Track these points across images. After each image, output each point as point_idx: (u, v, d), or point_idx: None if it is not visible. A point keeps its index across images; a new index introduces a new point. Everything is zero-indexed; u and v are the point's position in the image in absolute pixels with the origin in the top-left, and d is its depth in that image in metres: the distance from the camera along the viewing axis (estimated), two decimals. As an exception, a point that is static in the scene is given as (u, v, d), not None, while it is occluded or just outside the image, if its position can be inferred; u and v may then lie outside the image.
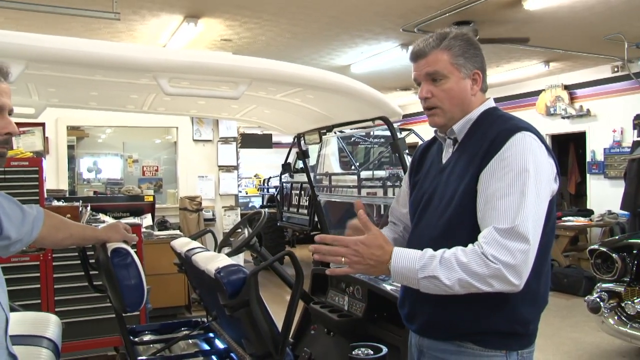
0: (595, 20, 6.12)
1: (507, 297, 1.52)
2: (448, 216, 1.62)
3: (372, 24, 6.11)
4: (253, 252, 2.96)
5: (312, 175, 7.08)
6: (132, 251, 2.05)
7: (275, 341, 2.09)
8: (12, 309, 3.20)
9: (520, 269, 1.43)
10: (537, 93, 9.87)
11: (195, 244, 2.84)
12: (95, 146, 10.53)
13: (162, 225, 6.96)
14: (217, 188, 7.61)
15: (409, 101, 12.15)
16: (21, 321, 2.59)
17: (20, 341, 2.26)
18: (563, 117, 9.42)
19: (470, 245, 1.47)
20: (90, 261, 2.50)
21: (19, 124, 4.73)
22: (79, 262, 2.54)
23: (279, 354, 2.07)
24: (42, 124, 4.53)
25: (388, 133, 2.50)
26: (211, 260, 2.26)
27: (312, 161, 8.99)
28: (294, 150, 9.85)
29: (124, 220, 5.15)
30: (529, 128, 1.61)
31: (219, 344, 2.81)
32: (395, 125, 2.60)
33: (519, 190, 1.48)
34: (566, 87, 9.43)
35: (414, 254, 1.48)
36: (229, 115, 3.25)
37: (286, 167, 8.96)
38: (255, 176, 17.48)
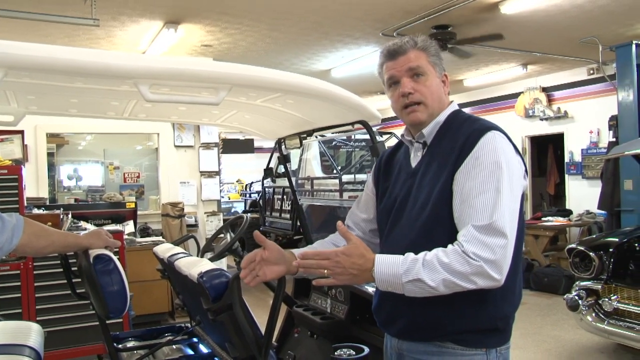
0: (570, 24, 6.26)
1: (487, 294, 1.55)
2: (424, 218, 1.63)
3: (352, 28, 6.17)
4: (236, 256, 2.97)
5: (293, 179, 7.12)
6: (114, 257, 2.06)
7: (259, 344, 2.10)
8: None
9: (501, 263, 1.46)
10: (516, 95, 10.03)
11: (178, 249, 2.84)
12: (76, 153, 10.44)
13: (144, 231, 6.93)
14: (199, 194, 7.59)
15: (389, 105, 12.22)
16: (2, 330, 2.58)
17: (1, 350, 2.25)
18: (541, 119, 9.58)
19: (450, 246, 1.49)
20: (73, 269, 2.49)
21: (-3, 132, 4.67)
22: (60, 270, 2.53)
23: (262, 357, 2.08)
24: (21, 132, 4.48)
25: (368, 137, 2.53)
26: (194, 265, 2.28)
27: (293, 165, 9.01)
28: (276, 155, 9.86)
29: (105, 228, 5.13)
30: (497, 127, 1.66)
31: (203, 349, 2.81)
32: (375, 128, 2.63)
33: (493, 188, 1.51)
34: (544, 90, 9.59)
35: (396, 259, 1.50)
36: (210, 121, 3.26)
37: (268, 172, 8.93)
38: (237, 181, 17.43)
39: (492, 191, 1.51)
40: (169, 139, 7.42)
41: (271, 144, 10.03)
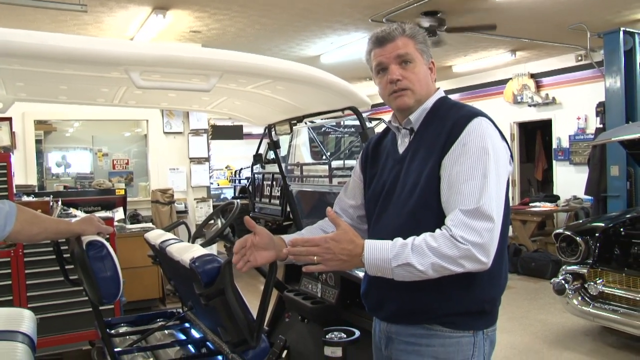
0: (559, 10, 6.28)
1: (474, 277, 1.58)
2: (413, 204, 1.66)
3: (341, 14, 6.16)
4: (227, 242, 2.99)
5: (283, 165, 7.13)
6: (107, 243, 2.07)
7: (251, 328, 2.14)
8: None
9: (488, 247, 1.49)
10: (505, 82, 10.07)
11: (170, 235, 2.86)
12: (64, 140, 10.35)
13: (134, 218, 6.92)
14: (189, 180, 7.59)
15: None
16: (-5, 317, 2.59)
17: (-5, 336, 2.26)
18: (530, 105, 9.64)
19: (438, 230, 1.51)
20: (65, 256, 2.50)
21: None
22: (52, 257, 2.54)
23: (254, 341, 2.11)
24: (9, 119, 4.45)
25: (358, 123, 2.55)
26: (186, 251, 2.30)
27: (283, 152, 9.02)
28: (265, 141, 9.86)
29: (96, 214, 5.12)
30: (483, 114, 1.69)
31: (195, 334, 2.84)
32: (365, 114, 2.65)
33: (480, 173, 1.54)
34: (532, 76, 9.64)
35: (385, 244, 1.51)
36: (200, 107, 3.26)
37: (257, 158, 8.94)
38: (226, 167, 17.40)
39: (479, 177, 1.54)
40: (158, 126, 7.41)
41: (260, 130, 9.97)
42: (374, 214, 1.83)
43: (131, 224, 6.52)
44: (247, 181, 10.54)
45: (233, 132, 11.34)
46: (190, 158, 7.62)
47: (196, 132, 7.64)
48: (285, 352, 3.14)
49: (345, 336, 1.82)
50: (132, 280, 5.23)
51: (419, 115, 1.75)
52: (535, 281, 7.16)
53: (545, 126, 9.89)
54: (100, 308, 4.26)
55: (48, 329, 4.01)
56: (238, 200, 3.14)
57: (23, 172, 6.39)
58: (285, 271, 3.45)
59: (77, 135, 10.39)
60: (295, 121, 2.98)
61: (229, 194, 14.42)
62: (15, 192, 4.34)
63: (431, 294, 1.62)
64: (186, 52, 1.92)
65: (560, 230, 4.95)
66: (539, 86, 9.58)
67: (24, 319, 2.54)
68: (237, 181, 13.79)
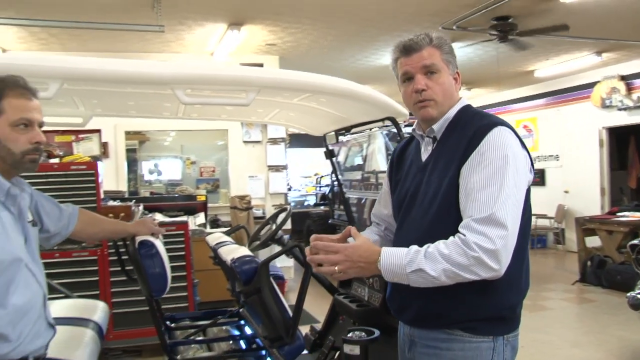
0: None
1: (493, 284, 1.60)
2: (433, 212, 1.70)
3: (409, 23, 6.20)
4: (279, 245, 3.16)
5: (360, 173, 7.28)
6: (157, 243, 2.31)
7: (287, 326, 2.29)
8: (67, 296, 3.57)
9: (500, 254, 1.50)
10: (592, 85, 9.58)
11: (226, 238, 3.09)
12: (156, 149, 11.04)
13: (214, 223, 7.30)
14: (267, 187, 7.88)
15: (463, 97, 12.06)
16: (73, 306, 2.92)
17: (69, 322, 2.57)
18: (620, 109, 9.11)
19: (452, 237, 1.56)
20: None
21: (78, 132, 5.14)
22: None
23: (289, 338, 2.27)
24: (99, 131, 4.93)
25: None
26: (231, 252, 2.50)
27: (359, 160, 9.11)
28: (344, 149, 10.05)
29: (177, 219, 5.51)
30: (504, 123, 1.70)
31: (248, 330, 3.04)
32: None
33: (498, 181, 1.56)
34: (623, 78, 9.11)
35: (400, 251, 1.56)
36: (258, 119, 3.49)
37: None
38: (315, 175, 17.73)
39: (496, 185, 1.56)
40: (238, 135, 7.77)
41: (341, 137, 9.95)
42: (398, 220, 1.89)
43: (211, 228, 6.90)
44: (328, 188, 10.75)
45: (312, 141, 11.60)
46: (268, 166, 7.92)
47: (274, 141, 7.94)
48: (337, 353, 3.26)
49: (365, 335, 1.92)
50: (208, 282, 5.54)
51: (442, 125, 1.78)
52: (619, 295, 6.76)
53: (638, 131, 9.31)
54: (175, 305, 4.61)
55: (129, 323, 4.37)
56: (291, 206, 3.31)
57: (115, 179, 6.97)
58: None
59: (168, 145, 11.08)
60: (343, 131, 3.11)
61: (312, 201, 14.69)
62: (103, 197, 4.79)
63: (449, 299, 1.66)
64: (224, 71, 2.13)
65: (636, 242, 4.70)
66: (630, 89, 9.03)
67: (97, 310, 2.85)
68: (319, 188, 14.05)
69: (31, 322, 1.66)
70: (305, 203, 15.07)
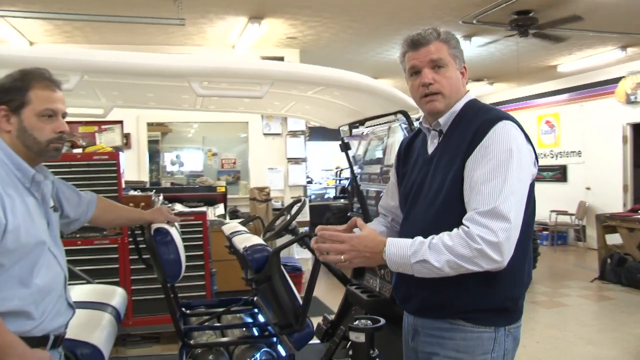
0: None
1: (496, 275, 1.63)
2: (438, 204, 1.73)
3: (430, 17, 6.19)
4: (293, 235, 3.22)
5: (379, 167, 7.33)
6: (172, 230, 2.39)
7: (296, 313, 2.35)
8: (88, 283, 3.69)
9: (502, 246, 1.53)
10: (617, 80, 9.43)
11: (241, 227, 3.16)
12: (179, 141, 11.17)
13: (234, 214, 7.40)
14: (287, 179, 7.95)
15: (483, 92, 11.98)
16: (93, 291, 3.03)
17: (88, 306, 2.66)
18: (645, 105, 8.98)
19: (455, 230, 1.59)
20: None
21: (100, 123, 5.24)
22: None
23: (298, 325, 2.33)
24: (121, 122, 5.03)
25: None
26: (244, 241, 2.57)
27: (379, 153, 9.13)
28: (364, 142, 10.06)
29: (197, 209, 5.60)
30: (509, 117, 1.72)
31: (261, 318, 3.11)
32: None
33: (501, 175, 1.59)
34: (648, 73, 8.97)
35: (405, 242, 1.59)
36: (275, 111, 3.54)
37: (355, 159, 9.18)
38: (336, 168, 17.78)
39: (500, 178, 1.58)
40: (258, 127, 7.85)
41: (358, 131, 9.97)
42: (404, 211, 1.93)
43: (230, 219, 7.00)
44: (348, 181, 10.79)
45: (333, 134, 11.63)
46: (287, 158, 7.98)
47: (294, 134, 8.01)
48: (348, 343, 3.32)
49: (370, 324, 1.97)
50: (226, 272, 5.61)
51: (448, 118, 1.81)
52: (638, 293, 6.70)
53: (664, 127, 9.14)
54: (193, 294, 4.69)
55: (148, 310, 4.47)
56: (306, 197, 3.37)
57: (137, 170, 7.11)
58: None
59: (190, 136, 11.21)
60: (357, 124, 3.15)
61: (333, 193, 14.75)
62: (124, 186, 4.89)
63: (453, 290, 1.69)
64: (237, 64, 2.18)
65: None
66: (656, 84, 8.88)
67: (116, 295, 2.95)
68: (339, 181, 14.10)
69: (52, 302, 1.75)
70: (326, 196, 15.14)
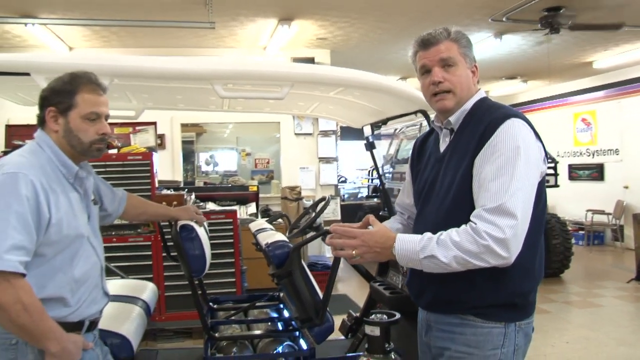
0: None
1: (506, 271, 1.66)
2: (449, 201, 1.77)
3: (459, 15, 6.17)
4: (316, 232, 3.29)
5: (407, 166, 7.24)
6: (197, 227, 2.49)
7: (317, 308, 2.42)
8: (122, 279, 3.83)
9: (509, 243, 1.55)
10: (656, 76, 9.20)
11: (266, 225, 3.25)
12: (213, 141, 11.38)
13: (265, 213, 7.52)
14: (318, 178, 8.03)
15: (517, 90, 11.81)
16: (125, 285, 3.15)
17: (120, 299, 2.78)
18: (685, 101, 8.71)
19: (463, 226, 1.62)
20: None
21: (135, 124, 5.41)
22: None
23: (319, 319, 2.39)
24: (154, 123, 5.18)
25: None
26: (267, 237, 2.65)
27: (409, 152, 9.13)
28: (395, 142, 10.07)
29: (227, 208, 5.73)
30: (518, 115, 1.75)
31: (286, 313, 3.19)
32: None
33: (509, 173, 1.62)
34: (689, 68, 8.70)
35: (414, 237, 1.63)
36: (300, 112, 3.62)
37: (386, 158, 9.21)
38: (371, 167, 17.77)
39: (507, 176, 1.61)
40: (289, 127, 7.95)
41: (390, 130, 9.92)
42: (418, 208, 1.97)
43: (262, 217, 7.12)
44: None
45: (362, 133, 11.66)
46: (319, 158, 8.06)
47: (325, 133, 8.08)
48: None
49: (386, 317, 2.01)
50: (257, 269, 5.70)
51: (459, 117, 1.85)
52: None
53: None
54: (223, 290, 4.79)
55: (180, 305, 4.61)
56: (329, 195, 3.43)
57: (171, 169, 7.30)
58: (378, 263, 3.67)
59: (224, 137, 11.41)
60: (380, 123, 3.20)
61: (366, 192, 14.76)
62: (157, 186, 5.05)
63: (462, 286, 1.73)
64: (257, 66, 2.26)
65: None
66: (697, 79, 8.62)
67: (147, 290, 3.07)
68: (371, 180, 14.11)
69: (89, 290, 1.87)
70: (359, 195, 15.16)
